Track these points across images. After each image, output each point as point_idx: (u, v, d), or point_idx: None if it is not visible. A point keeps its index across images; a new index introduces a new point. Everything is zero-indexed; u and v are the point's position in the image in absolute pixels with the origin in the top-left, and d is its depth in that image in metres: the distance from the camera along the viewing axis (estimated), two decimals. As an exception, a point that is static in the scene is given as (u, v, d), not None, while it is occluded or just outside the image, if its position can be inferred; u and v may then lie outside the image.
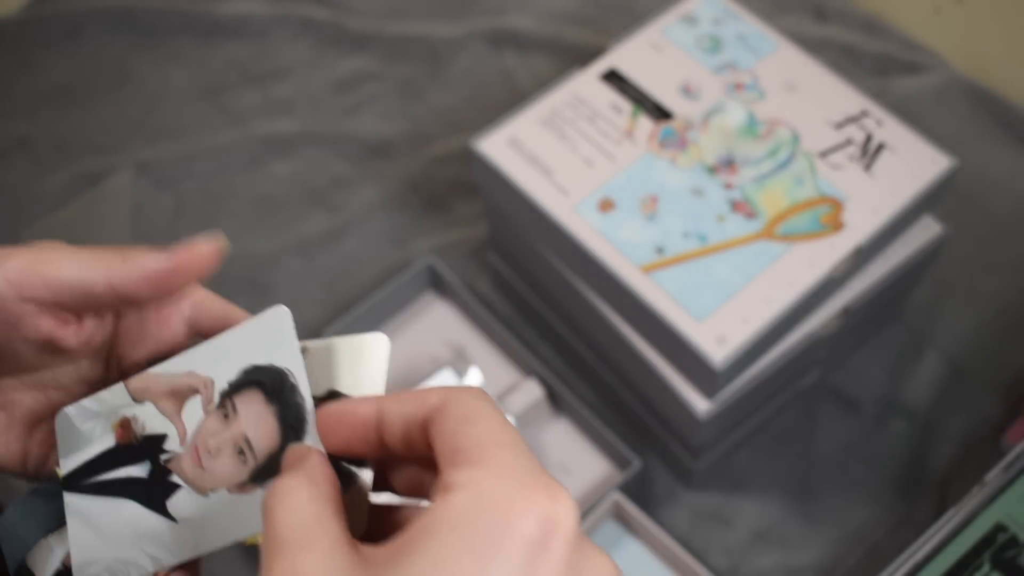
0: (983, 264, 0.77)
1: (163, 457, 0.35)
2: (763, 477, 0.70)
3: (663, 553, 0.65)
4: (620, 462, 0.68)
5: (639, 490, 0.68)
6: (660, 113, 0.65)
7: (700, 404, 0.60)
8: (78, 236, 0.80)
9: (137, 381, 0.35)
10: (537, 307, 0.73)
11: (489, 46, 0.92)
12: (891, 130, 0.64)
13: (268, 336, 0.34)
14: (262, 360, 0.34)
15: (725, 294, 0.59)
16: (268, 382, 0.33)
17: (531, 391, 0.70)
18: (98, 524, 0.35)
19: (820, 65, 0.67)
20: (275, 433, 0.33)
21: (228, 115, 0.88)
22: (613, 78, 0.67)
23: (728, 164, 0.63)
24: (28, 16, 0.94)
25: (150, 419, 0.35)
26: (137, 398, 0.35)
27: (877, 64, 0.88)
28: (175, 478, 0.34)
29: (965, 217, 0.74)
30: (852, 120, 0.65)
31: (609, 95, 0.66)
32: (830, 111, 0.65)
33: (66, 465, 0.36)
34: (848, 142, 0.64)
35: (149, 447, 0.35)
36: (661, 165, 0.63)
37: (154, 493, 0.34)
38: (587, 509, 0.65)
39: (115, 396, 0.36)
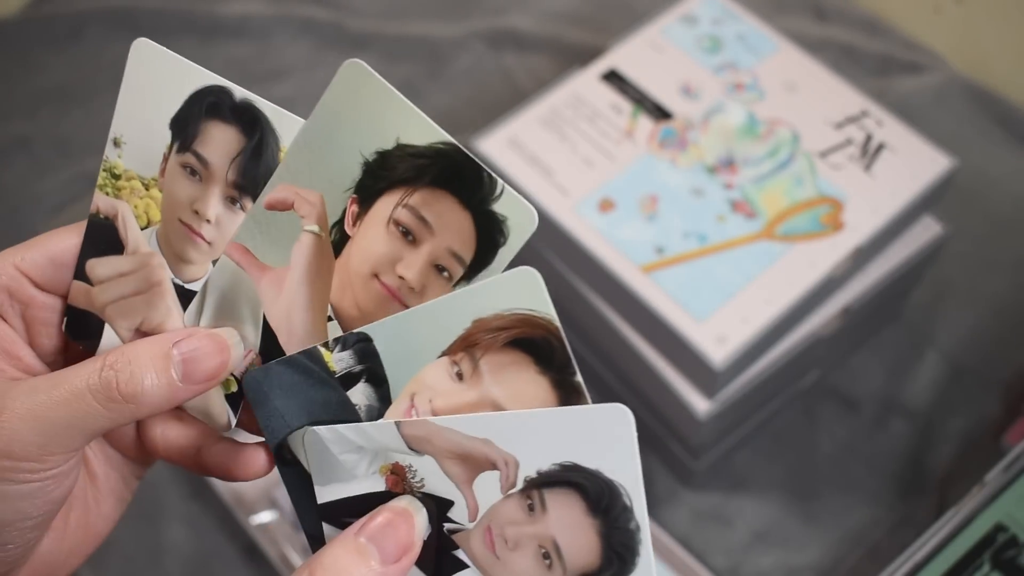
0: (983, 264, 0.77)
1: (447, 527, 0.30)
2: (763, 477, 0.70)
3: (663, 553, 0.65)
4: (620, 462, 0.68)
5: (639, 490, 0.68)
6: (660, 113, 0.65)
7: (700, 404, 0.60)
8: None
9: (415, 428, 0.30)
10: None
11: (489, 46, 0.92)
12: (891, 130, 0.64)
13: (600, 435, 0.28)
14: (589, 462, 0.28)
15: (725, 294, 0.59)
16: (593, 491, 0.29)
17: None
18: None
19: (820, 65, 0.67)
20: (595, 552, 0.29)
21: (228, 115, 0.88)
22: (613, 78, 0.67)
23: (728, 164, 0.63)
24: (28, 16, 0.94)
25: (431, 476, 0.30)
26: (414, 447, 0.30)
27: (877, 64, 0.88)
28: (460, 554, 0.30)
29: (965, 217, 0.74)
30: (852, 120, 0.65)
31: (609, 95, 0.66)
32: (830, 111, 0.65)
33: (323, 494, 0.32)
34: (848, 142, 0.64)
35: (430, 508, 0.31)
36: (661, 165, 0.63)
37: (438, 564, 0.31)
38: (587, 509, 0.65)
39: (383, 434, 0.31)
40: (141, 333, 0.33)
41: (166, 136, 0.32)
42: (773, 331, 0.59)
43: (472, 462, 0.30)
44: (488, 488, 0.30)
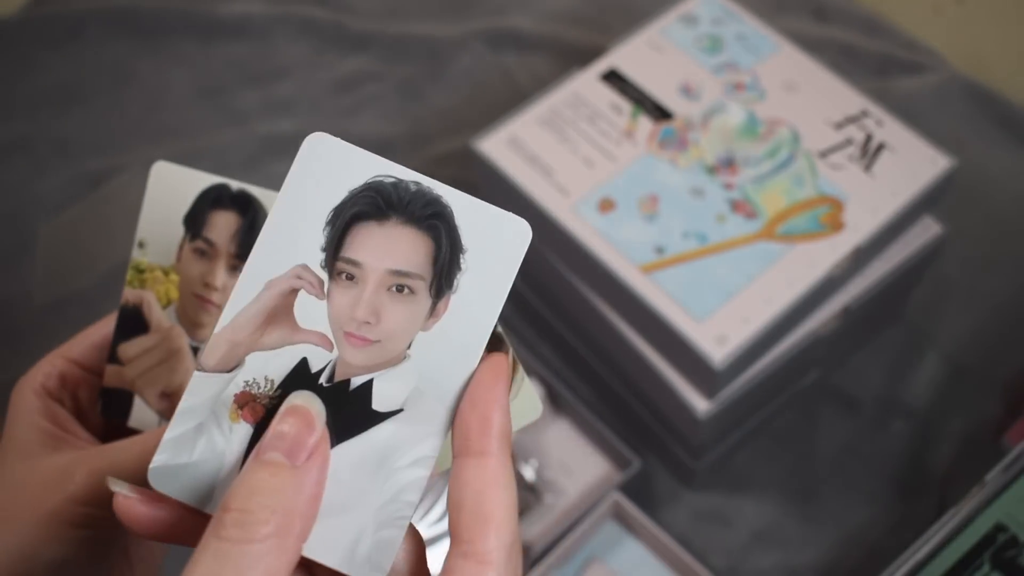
0: (983, 264, 0.77)
1: (322, 379, 0.27)
2: (763, 477, 0.70)
3: (663, 553, 0.65)
4: (620, 462, 0.68)
5: (639, 490, 0.68)
6: (660, 113, 0.65)
7: (700, 404, 0.60)
8: (84, 237, 0.80)
9: (211, 352, 0.27)
10: (537, 307, 0.73)
11: (489, 46, 0.92)
12: (891, 130, 0.64)
13: (325, 167, 0.26)
14: (340, 193, 0.26)
15: (725, 294, 0.59)
16: (366, 206, 0.27)
17: (531, 391, 0.70)
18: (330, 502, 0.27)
19: (820, 65, 0.67)
20: (420, 241, 0.27)
21: (229, 115, 0.88)
22: (613, 78, 0.67)
23: (728, 164, 0.63)
24: (28, 16, 0.94)
25: (270, 366, 0.27)
26: (229, 366, 0.27)
27: (877, 64, 0.88)
28: (356, 380, 0.27)
29: (965, 217, 0.74)
30: (852, 120, 0.65)
31: (609, 95, 0.66)
32: (830, 111, 0.65)
33: (216, 503, 0.27)
34: (848, 142, 0.64)
35: (298, 387, 0.27)
36: (661, 165, 0.63)
37: (348, 417, 0.27)
38: (587, 509, 0.65)
39: (201, 389, 0.27)
40: (167, 396, 0.38)
41: (180, 231, 0.39)
42: (773, 331, 0.59)
43: (279, 312, 0.27)
44: (312, 311, 0.27)
